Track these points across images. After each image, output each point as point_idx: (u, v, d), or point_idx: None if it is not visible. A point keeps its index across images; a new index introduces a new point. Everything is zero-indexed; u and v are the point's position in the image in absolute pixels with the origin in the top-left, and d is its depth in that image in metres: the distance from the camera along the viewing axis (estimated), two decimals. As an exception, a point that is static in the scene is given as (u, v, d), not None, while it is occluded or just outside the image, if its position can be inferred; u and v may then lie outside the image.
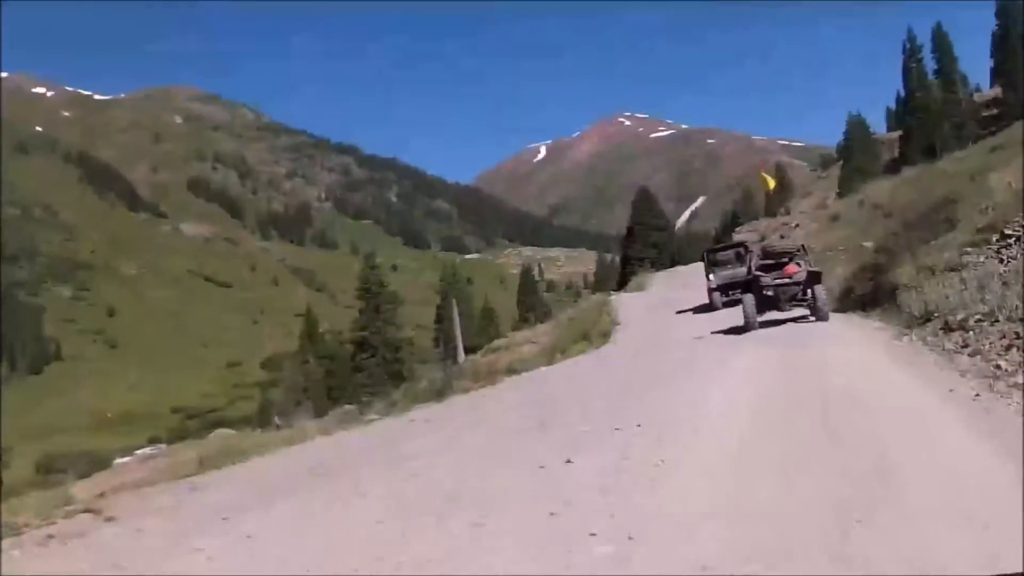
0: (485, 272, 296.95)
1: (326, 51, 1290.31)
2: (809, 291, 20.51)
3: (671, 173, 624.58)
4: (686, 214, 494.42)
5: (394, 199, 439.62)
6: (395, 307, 70.67)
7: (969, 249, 18.24)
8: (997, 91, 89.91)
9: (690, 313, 30.85)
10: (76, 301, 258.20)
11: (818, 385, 11.82)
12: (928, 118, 79.14)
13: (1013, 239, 17.36)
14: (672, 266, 73.27)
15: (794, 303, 20.92)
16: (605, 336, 27.96)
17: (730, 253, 33.72)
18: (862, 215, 39.49)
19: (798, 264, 20.86)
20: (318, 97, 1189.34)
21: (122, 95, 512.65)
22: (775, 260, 21.33)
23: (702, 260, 34.68)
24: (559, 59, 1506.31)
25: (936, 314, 15.55)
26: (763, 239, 49.78)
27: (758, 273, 20.85)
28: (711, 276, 30.98)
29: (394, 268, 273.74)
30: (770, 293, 20.48)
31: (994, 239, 18.02)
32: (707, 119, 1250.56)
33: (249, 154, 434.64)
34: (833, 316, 21.19)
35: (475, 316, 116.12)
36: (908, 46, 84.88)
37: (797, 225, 54.10)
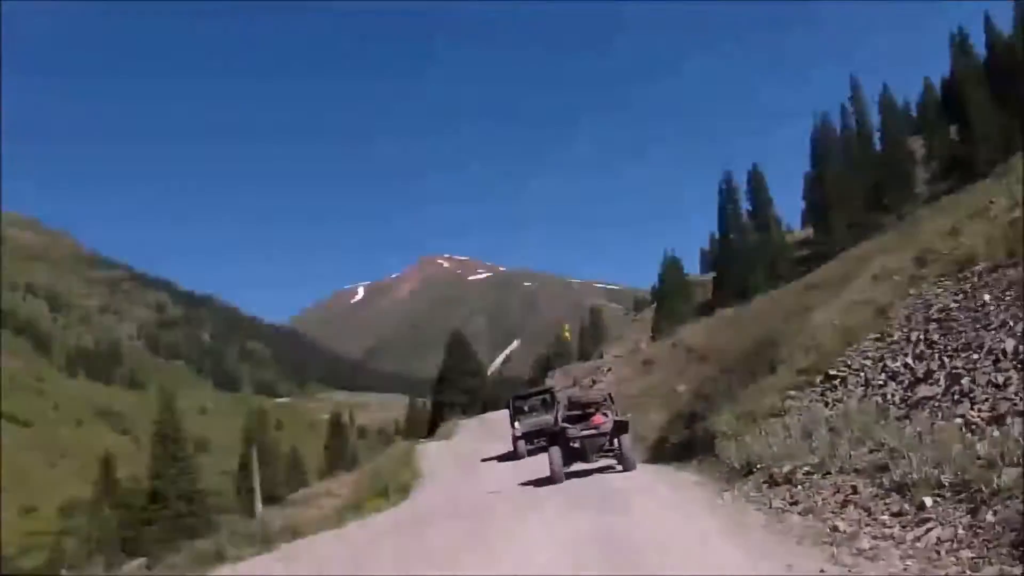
0: (295, 417, 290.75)
1: (148, 183, 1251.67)
2: (616, 441, 20.06)
3: (488, 316, 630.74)
4: (500, 358, 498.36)
5: (208, 339, 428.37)
6: (189, 456, 65.83)
7: (792, 392, 16.70)
8: (809, 231, 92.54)
9: (495, 462, 29.90)
10: None
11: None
12: (741, 260, 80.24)
13: (838, 380, 15.89)
14: (484, 412, 71.32)
15: (601, 453, 20.43)
16: (405, 491, 25.53)
17: (535, 400, 32.95)
18: (676, 358, 38.47)
19: (604, 414, 20.32)
20: (139, 229, 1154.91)
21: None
22: (582, 411, 20.67)
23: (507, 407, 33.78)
24: (378, 201, 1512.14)
25: (759, 465, 13.70)
26: (575, 384, 49.28)
27: (565, 425, 20.31)
28: (516, 424, 30.31)
29: (203, 411, 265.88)
30: (577, 445, 19.95)
31: (818, 380, 16.58)
32: (525, 261, 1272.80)
33: (63, 286, 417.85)
34: (647, 468, 20.41)
35: (281, 463, 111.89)
36: (724, 188, 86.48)
37: (610, 369, 52.22)
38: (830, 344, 17.65)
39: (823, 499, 10.73)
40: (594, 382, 46.79)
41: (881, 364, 15.36)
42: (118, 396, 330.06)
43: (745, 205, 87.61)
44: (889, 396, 14.05)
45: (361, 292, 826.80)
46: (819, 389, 16.32)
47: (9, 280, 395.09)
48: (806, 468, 12.01)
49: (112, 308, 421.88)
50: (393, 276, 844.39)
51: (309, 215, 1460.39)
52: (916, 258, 19.74)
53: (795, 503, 11.16)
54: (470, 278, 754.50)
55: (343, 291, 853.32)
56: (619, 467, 20.04)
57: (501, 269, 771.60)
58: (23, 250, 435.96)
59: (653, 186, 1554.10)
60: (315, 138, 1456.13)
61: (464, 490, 22.31)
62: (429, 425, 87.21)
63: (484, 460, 30.93)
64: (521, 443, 29.39)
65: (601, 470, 20.36)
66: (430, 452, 37.65)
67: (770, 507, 11.47)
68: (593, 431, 19.82)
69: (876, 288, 19.78)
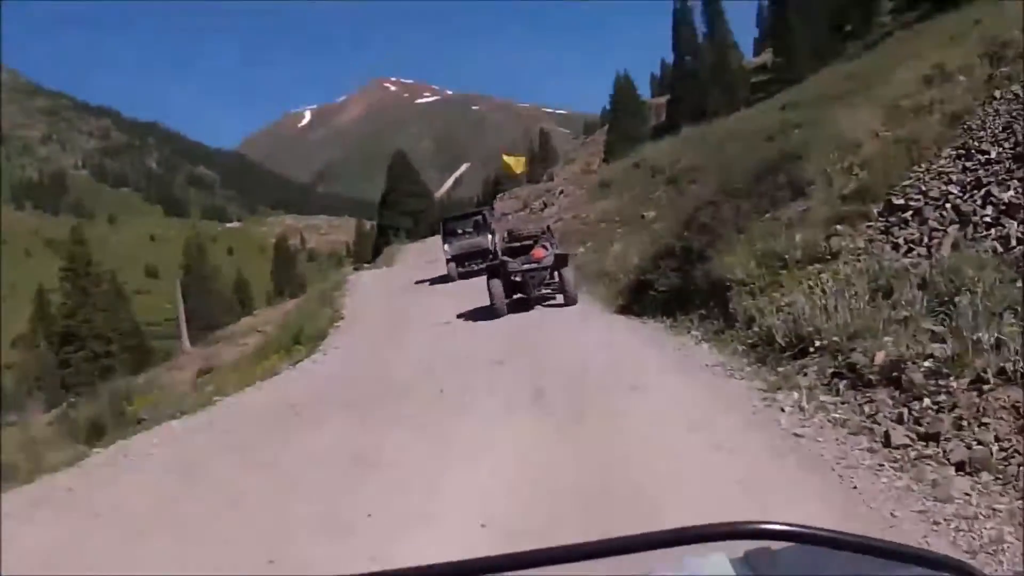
0: (245, 242, 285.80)
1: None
2: (556, 274, 19.87)
3: (436, 140, 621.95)
4: (449, 181, 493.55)
5: (154, 166, 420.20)
6: (104, 289, 60.25)
7: (839, 227, 11.82)
8: (765, 58, 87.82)
9: (428, 284, 29.59)
10: None
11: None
12: (698, 83, 75.61)
13: (910, 212, 10.99)
14: (433, 235, 66.94)
15: (543, 288, 20.24)
16: (319, 339, 21.18)
17: (468, 222, 32.29)
18: (638, 180, 33.44)
19: (544, 247, 20.14)
20: (76, 54, 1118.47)
21: None
22: (520, 243, 20.78)
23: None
24: (327, 22, 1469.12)
25: (818, 341, 8.98)
26: (525, 207, 48.50)
27: (505, 258, 20.09)
28: (446, 247, 30.05)
29: (152, 239, 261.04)
30: (518, 279, 19.77)
31: (875, 212, 11.72)
32: (472, 85, 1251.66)
33: (3, 117, 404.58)
34: (622, 322, 16.88)
35: (229, 289, 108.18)
36: (679, 6, 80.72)
37: (562, 192, 47.76)
38: (884, 161, 12.63)
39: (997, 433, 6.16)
40: (545, 205, 44.56)
41: (979, 191, 10.48)
42: (65, 226, 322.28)
43: (700, 28, 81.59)
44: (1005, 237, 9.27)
45: (308, 116, 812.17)
46: (880, 224, 11.51)
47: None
48: (926, 364, 7.25)
49: (55, 138, 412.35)
50: (340, 99, 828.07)
51: (256, 38, 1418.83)
52: (987, 54, 14.77)
53: (929, 437, 6.48)
54: (417, 101, 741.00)
55: (290, 115, 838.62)
56: (560, 299, 19.80)
57: (449, 93, 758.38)
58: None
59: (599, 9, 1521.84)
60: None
61: (385, 348, 18.07)
62: (372, 250, 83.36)
63: (418, 282, 30.39)
64: (452, 265, 29.35)
65: (543, 300, 20.05)
66: (363, 283, 33.86)
67: (890, 444, 6.63)
68: (535, 264, 19.57)
69: (935, 91, 14.68)
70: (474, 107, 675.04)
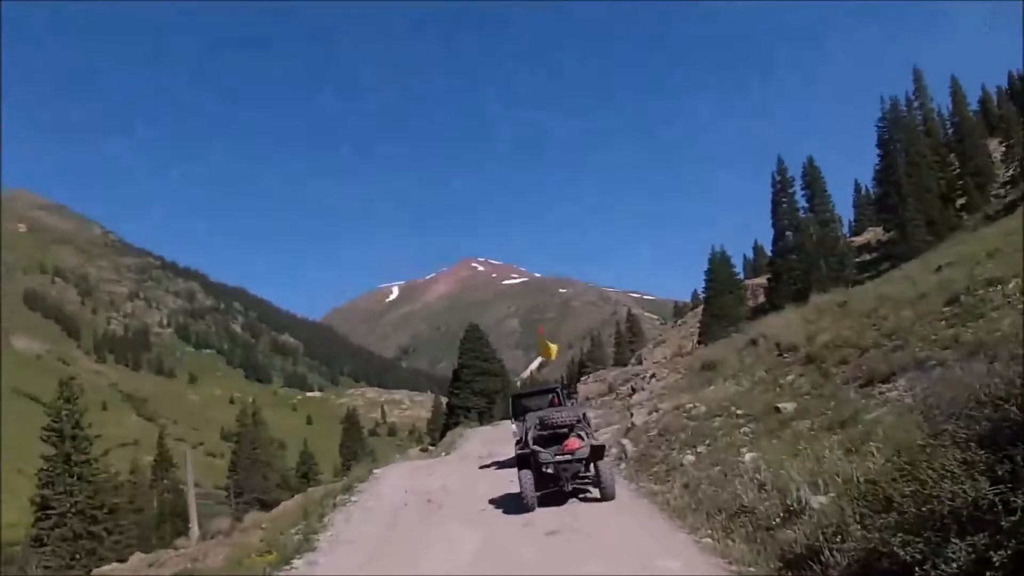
0: (326, 411, 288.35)
1: (183, 176, 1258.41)
2: (592, 467, 18.19)
3: (522, 320, 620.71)
4: (536, 362, 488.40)
5: (239, 330, 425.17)
6: (89, 460, 51.90)
7: None
8: (868, 236, 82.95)
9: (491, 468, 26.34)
10: None
11: None
12: (803, 258, 69.63)
13: None
14: (506, 419, 60.58)
15: (577, 481, 18.35)
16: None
17: (543, 399, 27.12)
18: (758, 360, 26.31)
19: (580, 436, 18.56)
20: (168, 219, 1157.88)
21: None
22: (553, 432, 18.86)
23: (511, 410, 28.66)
24: (414, 206, 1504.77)
25: None
26: (611, 390, 45.67)
27: (536, 448, 18.58)
28: (514, 427, 25.41)
29: (231, 402, 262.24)
30: (550, 471, 18.11)
31: None
32: (559, 268, 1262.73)
33: (92, 271, 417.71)
34: None
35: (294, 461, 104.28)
36: (778, 179, 75.18)
37: (653, 376, 42.12)
38: None
39: None
40: (634, 390, 40.72)
41: None
42: (145, 382, 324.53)
43: (801, 203, 77.03)
44: None
45: (396, 292, 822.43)
46: None
47: (37, 262, 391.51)
48: None
49: (142, 295, 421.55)
50: (428, 277, 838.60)
51: (340, 217, 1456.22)
52: None
53: None
54: (505, 282, 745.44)
55: (378, 290, 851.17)
56: (596, 493, 18.33)
57: (536, 275, 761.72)
58: (51, 233, 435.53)
59: (694, 189, 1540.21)
60: (354, 139, 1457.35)
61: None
62: (441, 430, 77.94)
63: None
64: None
65: (577, 494, 18.34)
66: (381, 487, 25.93)
67: None
68: (568, 456, 18.13)
69: None
70: (561, 290, 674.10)
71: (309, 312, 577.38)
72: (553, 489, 18.26)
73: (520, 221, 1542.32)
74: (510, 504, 18.52)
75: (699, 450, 19.14)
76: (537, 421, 19.94)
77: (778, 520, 11.08)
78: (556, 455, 18.16)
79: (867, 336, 20.44)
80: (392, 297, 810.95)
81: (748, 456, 16.04)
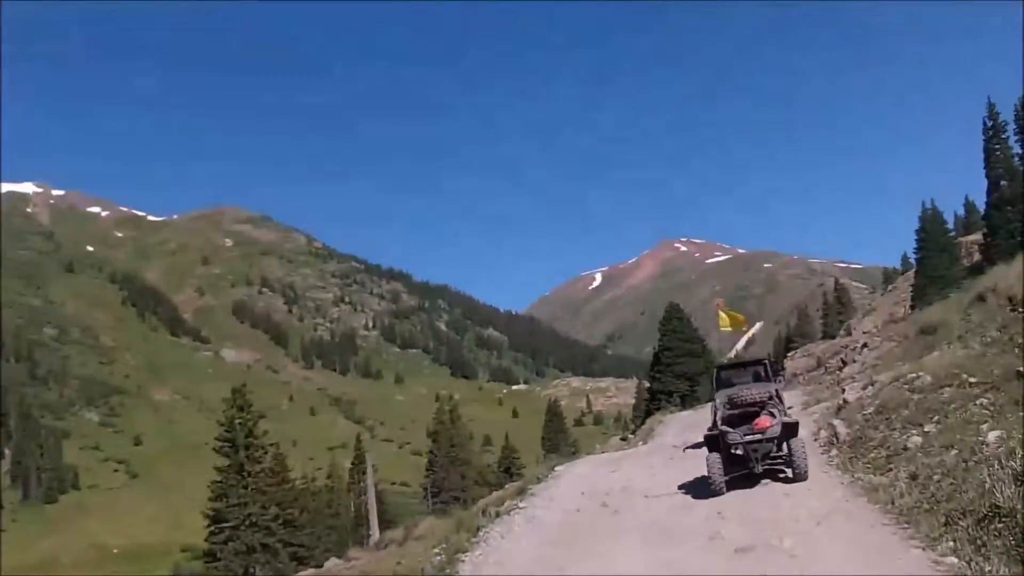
0: (531, 404, 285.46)
1: (381, 183, 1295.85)
2: (784, 445, 17.18)
3: (728, 299, 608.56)
4: (742, 341, 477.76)
5: (444, 327, 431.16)
6: (264, 470, 50.88)
7: None
8: None
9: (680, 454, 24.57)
10: (103, 427, 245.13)
11: None
12: (1022, 209, 63.09)
13: None
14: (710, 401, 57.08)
15: (768, 462, 17.33)
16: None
17: (747, 373, 22.81)
18: (989, 319, 22.50)
19: (771, 414, 17.33)
20: (371, 223, 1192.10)
21: (175, 216, 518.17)
22: (742, 411, 17.58)
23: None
24: (618, 186, 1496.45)
25: None
26: (820, 364, 44.22)
27: (725, 428, 17.48)
28: (716, 399, 20.43)
29: (437, 399, 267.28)
30: (739, 451, 17.29)
31: None
32: (763, 243, 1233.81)
33: (297, 279, 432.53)
34: None
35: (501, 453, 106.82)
36: (989, 124, 68.23)
37: (865, 345, 38.93)
38: None
39: None
40: (844, 363, 38.77)
41: None
42: (353, 385, 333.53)
43: (1016, 148, 68.49)
44: None
45: (599, 278, 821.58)
46: None
47: (244, 275, 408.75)
48: None
49: (347, 299, 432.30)
50: (631, 261, 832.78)
51: (550, 207, 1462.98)
52: None
53: None
54: (708, 261, 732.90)
55: (580, 278, 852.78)
56: (789, 472, 17.08)
57: (740, 251, 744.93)
58: (256, 245, 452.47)
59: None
60: (553, 132, 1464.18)
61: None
62: (643, 416, 75.20)
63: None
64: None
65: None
66: (558, 488, 22.77)
67: None
68: (759, 435, 17.06)
69: None
70: (766, 264, 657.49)
71: (513, 305, 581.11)
72: (742, 472, 17.37)
73: (721, 196, 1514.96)
74: (693, 503, 16.92)
75: (927, 429, 15.57)
76: (726, 399, 18.59)
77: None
78: (745, 435, 17.31)
79: None
80: (595, 284, 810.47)
81: (992, 435, 12.70)
